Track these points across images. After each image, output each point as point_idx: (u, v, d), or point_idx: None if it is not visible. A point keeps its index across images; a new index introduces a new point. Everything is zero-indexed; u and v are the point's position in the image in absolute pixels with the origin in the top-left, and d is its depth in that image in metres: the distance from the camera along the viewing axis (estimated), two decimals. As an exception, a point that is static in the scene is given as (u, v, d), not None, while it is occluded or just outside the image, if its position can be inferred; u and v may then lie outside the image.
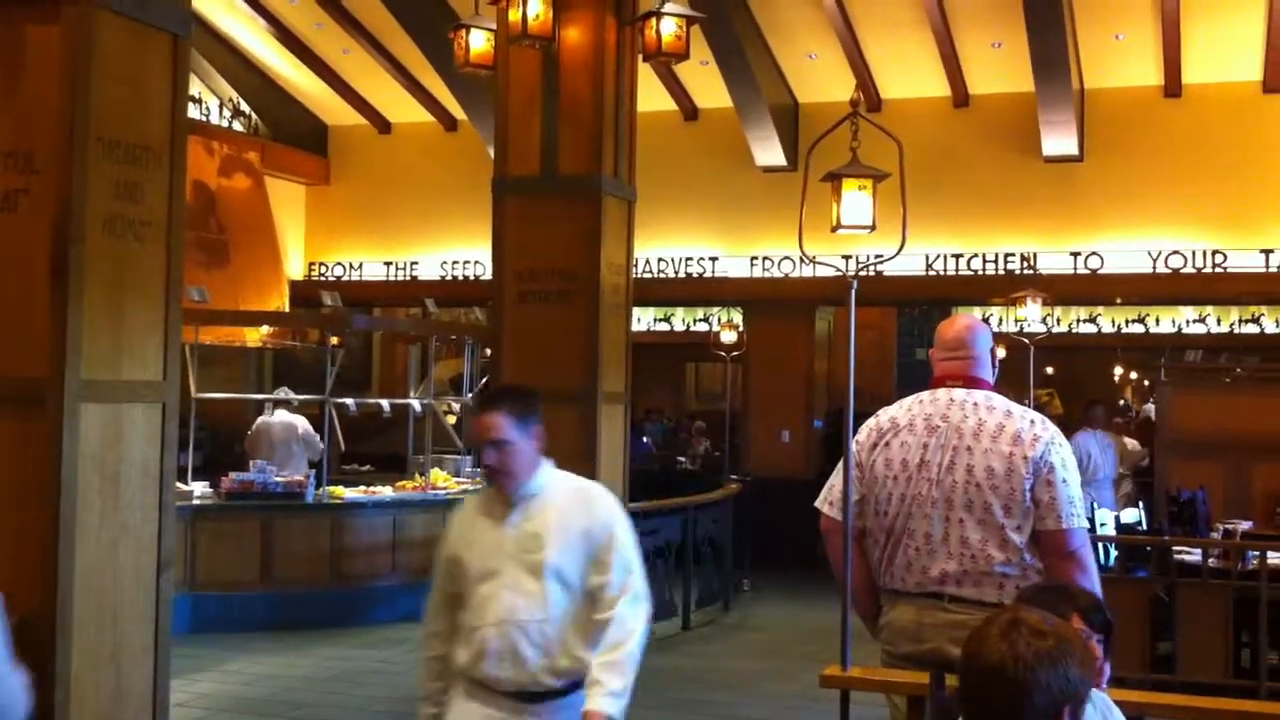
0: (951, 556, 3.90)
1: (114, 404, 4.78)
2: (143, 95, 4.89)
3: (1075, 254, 13.96)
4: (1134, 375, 23.18)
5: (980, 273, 14.28)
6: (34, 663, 4.52)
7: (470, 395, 13.55)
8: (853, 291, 4.20)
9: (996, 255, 14.24)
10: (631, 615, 3.59)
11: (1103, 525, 8.51)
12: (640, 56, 9.38)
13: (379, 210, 16.89)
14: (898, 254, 4.28)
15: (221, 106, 16.42)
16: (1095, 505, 9.03)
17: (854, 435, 4.17)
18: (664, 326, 16.87)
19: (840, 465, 4.16)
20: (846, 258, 11.78)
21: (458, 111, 15.82)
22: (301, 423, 12.14)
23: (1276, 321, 15.28)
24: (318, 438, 11.84)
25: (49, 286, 4.60)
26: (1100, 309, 15.76)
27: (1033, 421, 3.98)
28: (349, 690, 8.46)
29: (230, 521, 10.34)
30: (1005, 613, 2.40)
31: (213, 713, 7.67)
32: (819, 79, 14.34)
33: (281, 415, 12.22)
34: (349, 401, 12.01)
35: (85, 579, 4.63)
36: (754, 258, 14.98)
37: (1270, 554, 7.80)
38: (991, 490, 3.88)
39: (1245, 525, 9.28)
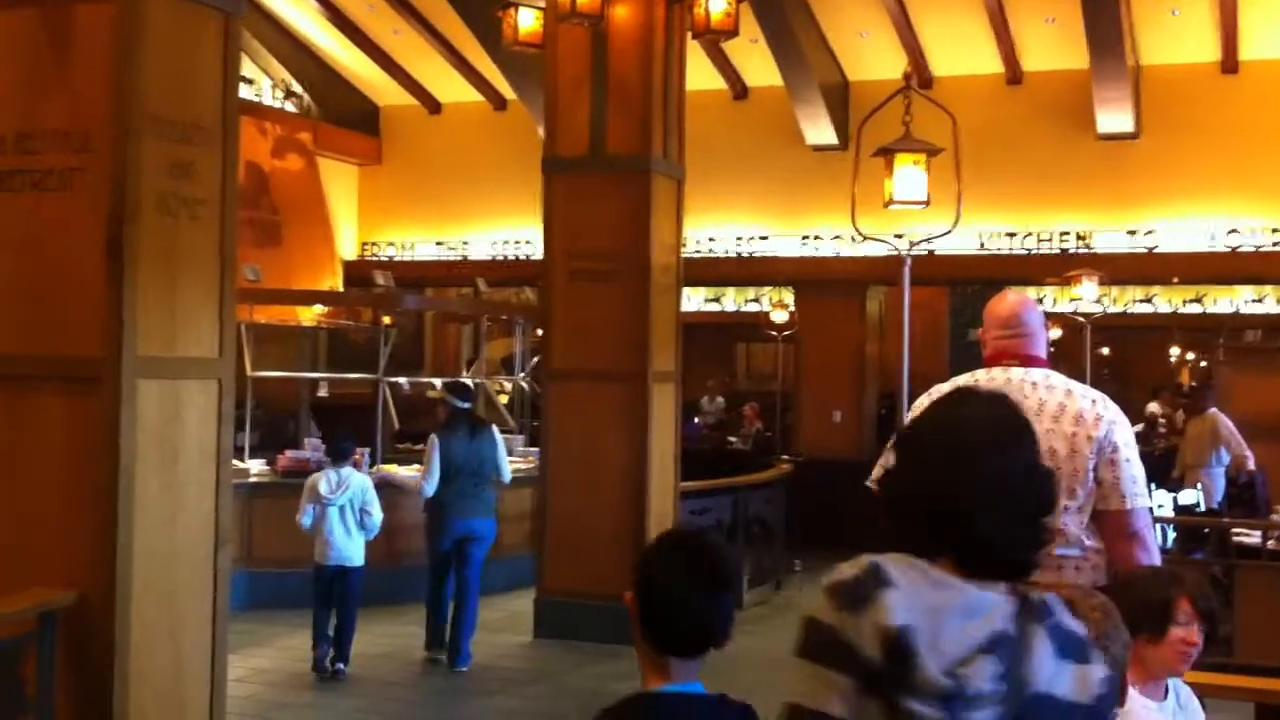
0: (1010, 540, 3.82)
1: (170, 380, 4.80)
2: (194, 74, 4.91)
3: (1131, 232, 13.78)
4: (1190, 356, 22.89)
5: (1034, 251, 14.13)
6: (94, 638, 4.59)
7: (522, 374, 13.58)
8: (906, 268, 4.16)
9: (1051, 234, 14.08)
10: None
11: (1160, 506, 8.43)
12: (689, 34, 9.35)
13: (430, 190, 16.95)
14: (952, 229, 4.24)
15: (274, 87, 16.51)
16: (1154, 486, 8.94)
17: (908, 414, 4.12)
18: (714, 306, 16.82)
19: (892, 442, 4.09)
20: (898, 236, 11.75)
21: (507, 91, 15.83)
22: None
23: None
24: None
25: (103, 264, 4.63)
26: (1156, 288, 15.57)
27: (1094, 400, 3.89)
28: (402, 666, 8.52)
29: (286, 499, 10.40)
30: None
31: (269, 687, 7.75)
32: (869, 57, 14.22)
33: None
34: (402, 380, 12.07)
35: (144, 555, 4.68)
36: (805, 237, 14.90)
37: (1331, 535, 7.70)
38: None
39: (1305, 507, 9.17)
